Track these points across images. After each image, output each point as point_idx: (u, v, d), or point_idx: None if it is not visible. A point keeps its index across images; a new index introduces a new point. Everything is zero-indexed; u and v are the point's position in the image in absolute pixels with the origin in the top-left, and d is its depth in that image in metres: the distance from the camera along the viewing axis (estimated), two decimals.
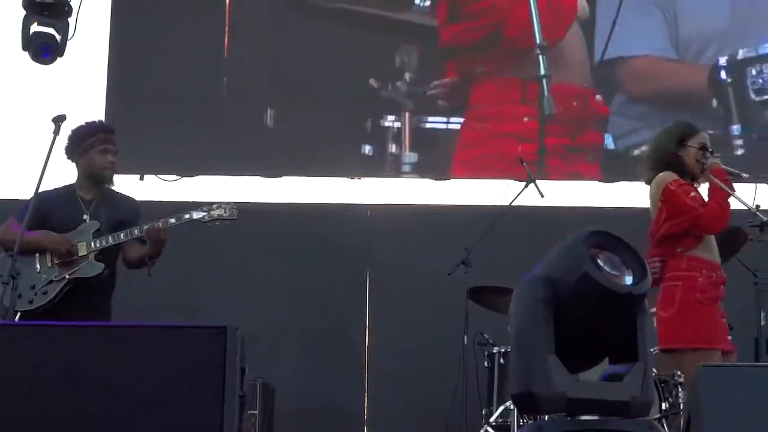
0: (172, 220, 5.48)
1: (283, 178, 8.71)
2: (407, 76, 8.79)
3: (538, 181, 7.34)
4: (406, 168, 8.74)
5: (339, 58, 8.72)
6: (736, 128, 8.78)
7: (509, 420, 6.31)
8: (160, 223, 5.45)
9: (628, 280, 3.88)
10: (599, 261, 3.85)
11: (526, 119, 8.75)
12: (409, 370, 8.10)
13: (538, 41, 8.72)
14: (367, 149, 8.73)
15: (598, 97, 8.91)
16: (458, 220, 8.16)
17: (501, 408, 6.43)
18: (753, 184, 6.78)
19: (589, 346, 3.92)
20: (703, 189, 5.71)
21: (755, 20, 8.92)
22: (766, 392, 4.04)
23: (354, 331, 8.37)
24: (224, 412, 3.90)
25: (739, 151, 8.72)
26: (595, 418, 3.87)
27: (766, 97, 8.76)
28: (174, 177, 8.60)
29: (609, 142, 8.96)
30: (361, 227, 8.50)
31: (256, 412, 6.40)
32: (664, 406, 6.36)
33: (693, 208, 5.45)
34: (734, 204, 6.12)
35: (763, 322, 6.41)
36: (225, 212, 5.53)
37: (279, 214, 8.44)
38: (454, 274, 7.13)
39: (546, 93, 8.67)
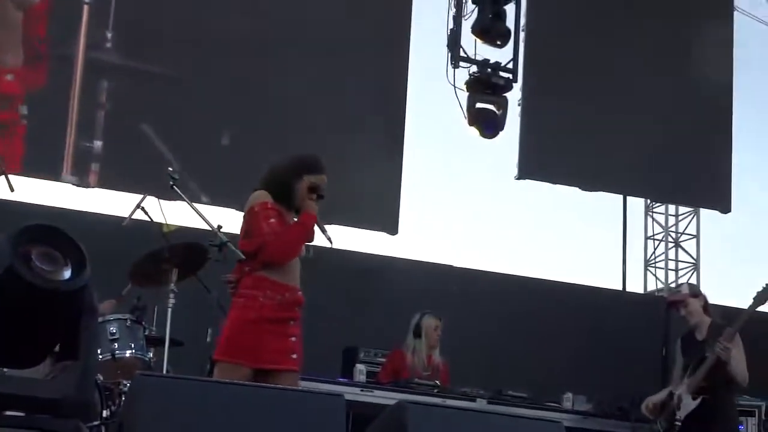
0: None
1: None
2: None
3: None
4: None
5: None
6: None
7: None
8: None
9: (67, 275, 3.79)
10: (32, 255, 3.71)
11: None
12: None
13: None
14: None
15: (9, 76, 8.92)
16: None
17: None
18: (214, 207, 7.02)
19: (23, 342, 3.78)
20: None
21: None
22: (194, 403, 4.14)
23: None
24: None
25: None
26: (21, 414, 3.75)
27: None
28: None
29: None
30: None
31: None
32: (105, 413, 6.34)
33: (264, 233, 5.45)
34: (200, 223, 6.30)
35: (209, 339, 6.58)
36: None
37: None
38: None
39: None
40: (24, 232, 3.75)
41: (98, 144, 9.56)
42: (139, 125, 9.57)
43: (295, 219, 5.68)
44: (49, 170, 9.34)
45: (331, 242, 5.68)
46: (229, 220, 6.29)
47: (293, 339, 5.54)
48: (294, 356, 5.53)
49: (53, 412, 3.80)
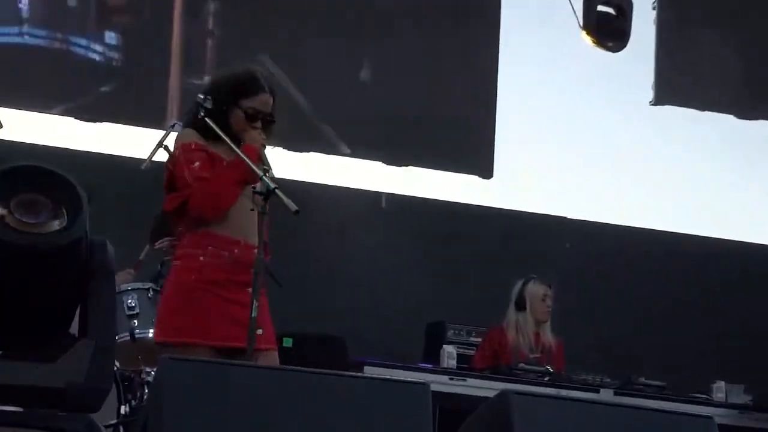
0: None
1: None
2: None
3: None
4: None
5: None
6: None
7: None
8: None
9: (55, 226, 3.71)
10: (10, 206, 3.65)
11: None
12: None
13: None
14: None
15: None
16: None
17: None
18: None
19: (15, 318, 3.75)
20: None
21: None
22: (238, 393, 4.16)
23: None
24: None
25: None
26: (17, 409, 3.77)
27: None
28: None
29: None
30: None
31: None
32: (124, 409, 6.39)
33: (186, 183, 5.38)
34: None
35: (254, 313, 6.57)
36: None
37: None
38: None
39: None
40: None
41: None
42: (256, 56, 9.55)
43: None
44: (151, 117, 9.29)
45: (273, 186, 5.40)
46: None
47: (262, 310, 5.41)
48: (259, 332, 5.38)
49: (58, 405, 3.79)
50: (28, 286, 3.69)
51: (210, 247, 5.39)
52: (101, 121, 9.14)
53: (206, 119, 5.50)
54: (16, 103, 8.91)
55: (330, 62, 9.73)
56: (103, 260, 3.86)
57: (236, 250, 5.41)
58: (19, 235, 3.60)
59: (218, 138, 5.50)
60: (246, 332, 5.30)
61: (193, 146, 5.46)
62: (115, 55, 9.38)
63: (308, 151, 9.68)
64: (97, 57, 9.34)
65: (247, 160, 5.38)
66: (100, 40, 9.34)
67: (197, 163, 5.43)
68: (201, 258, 5.37)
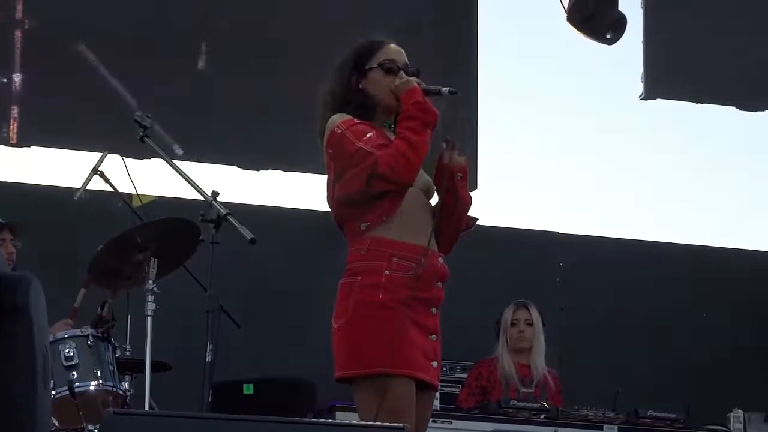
0: None
1: None
2: None
3: None
4: None
5: None
6: None
7: None
8: None
9: None
10: None
11: None
12: None
13: None
14: None
15: None
16: None
17: None
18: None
19: None
20: None
21: None
22: None
23: None
24: None
25: None
26: None
27: None
28: None
29: None
30: None
31: None
32: None
33: (366, 152, 5.20)
34: (186, 191, 6.30)
35: (209, 358, 6.56)
36: None
37: None
38: None
39: None
40: None
41: (17, 78, 9.49)
42: (74, 47, 9.49)
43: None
44: None
45: (455, 93, 5.39)
46: (221, 183, 6.28)
47: (433, 338, 5.29)
48: (435, 365, 5.31)
49: None
50: None
51: (394, 258, 5.24)
52: None
53: (146, 138, 5.50)
54: None
55: None
56: (12, 297, 3.75)
57: (423, 259, 5.24)
58: None
59: (365, 117, 5.38)
60: (429, 364, 5.24)
61: (355, 121, 5.34)
62: None
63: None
64: None
65: None
66: None
67: (370, 134, 5.30)
68: (386, 272, 5.22)
